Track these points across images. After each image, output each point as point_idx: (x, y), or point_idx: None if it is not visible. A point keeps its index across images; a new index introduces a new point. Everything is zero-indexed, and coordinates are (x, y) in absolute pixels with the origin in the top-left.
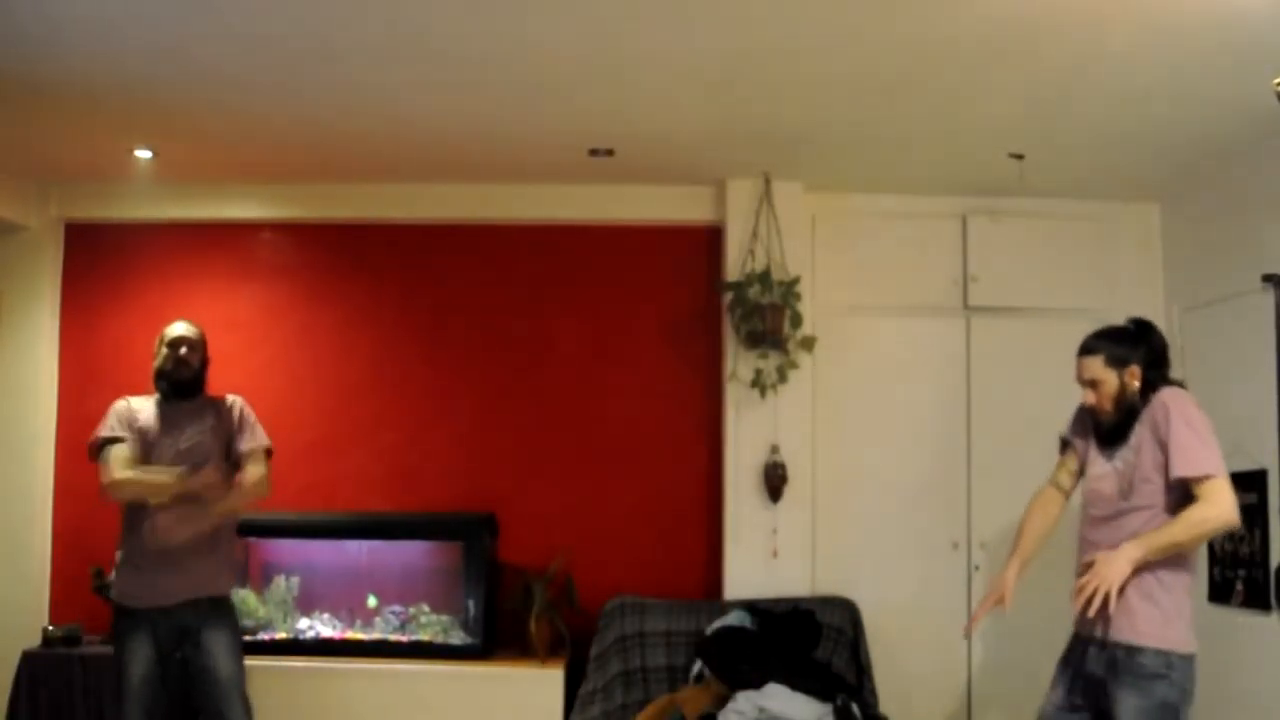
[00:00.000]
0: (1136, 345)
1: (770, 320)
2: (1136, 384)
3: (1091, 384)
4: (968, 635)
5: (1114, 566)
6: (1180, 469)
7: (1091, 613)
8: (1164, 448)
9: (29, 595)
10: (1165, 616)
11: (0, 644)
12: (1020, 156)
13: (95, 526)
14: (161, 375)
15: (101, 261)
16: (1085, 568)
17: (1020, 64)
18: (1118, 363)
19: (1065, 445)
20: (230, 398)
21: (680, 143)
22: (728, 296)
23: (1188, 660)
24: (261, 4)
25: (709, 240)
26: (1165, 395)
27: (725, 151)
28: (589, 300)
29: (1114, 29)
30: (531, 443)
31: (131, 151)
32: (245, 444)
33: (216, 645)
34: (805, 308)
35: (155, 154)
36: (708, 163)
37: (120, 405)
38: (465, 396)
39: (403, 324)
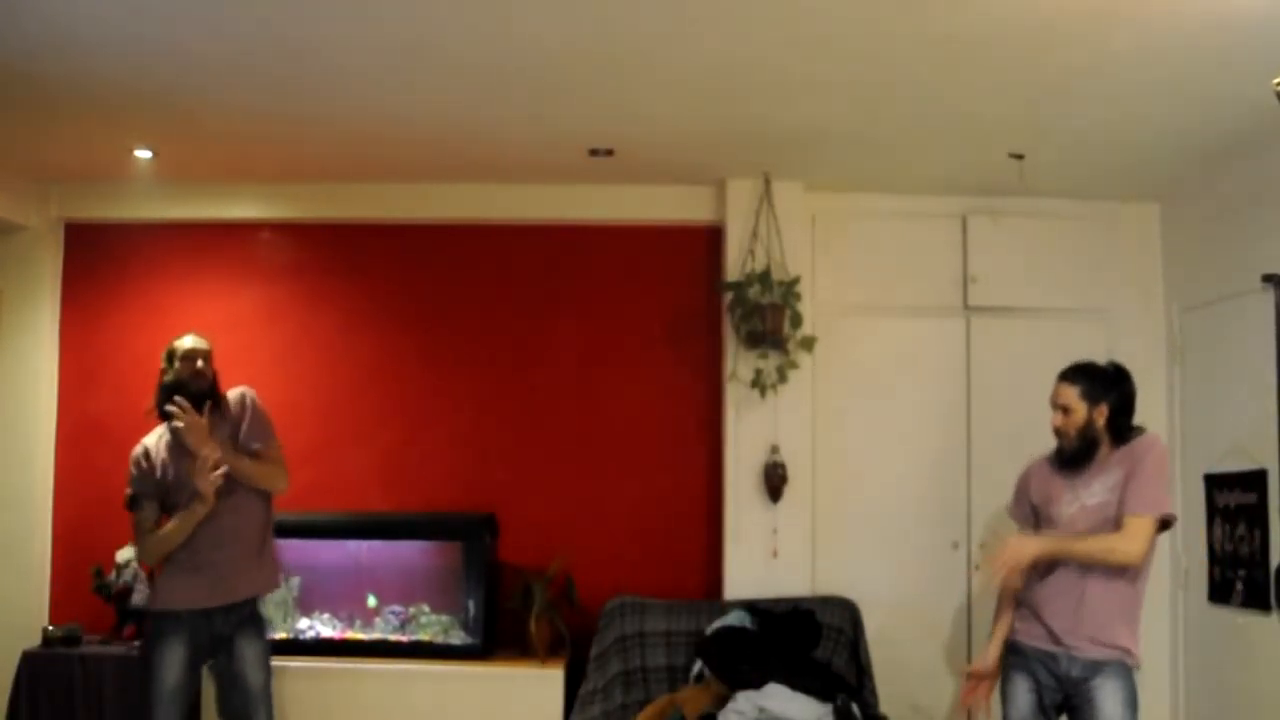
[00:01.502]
0: (1110, 388)
1: (770, 320)
2: (1101, 421)
3: (1064, 409)
4: (965, 707)
5: (1025, 547)
6: (1129, 502)
7: (994, 583)
8: (1129, 478)
9: (29, 595)
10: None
11: (0, 644)
12: (1020, 156)
13: (95, 526)
14: (175, 388)
15: (101, 261)
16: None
17: (1020, 64)
18: (1090, 398)
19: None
20: (235, 392)
21: (680, 143)
22: (728, 296)
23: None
24: (261, 4)
25: (709, 240)
26: (1151, 439)
27: (725, 151)
28: (589, 300)
29: (1114, 29)
30: (531, 442)
31: (131, 151)
32: (256, 437)
33: (249, 653)
34: (805, 308)
35: (155, 154)
36: (708, 163)
37: (137, 455)
38: (465, 396)
39: (402, 324)
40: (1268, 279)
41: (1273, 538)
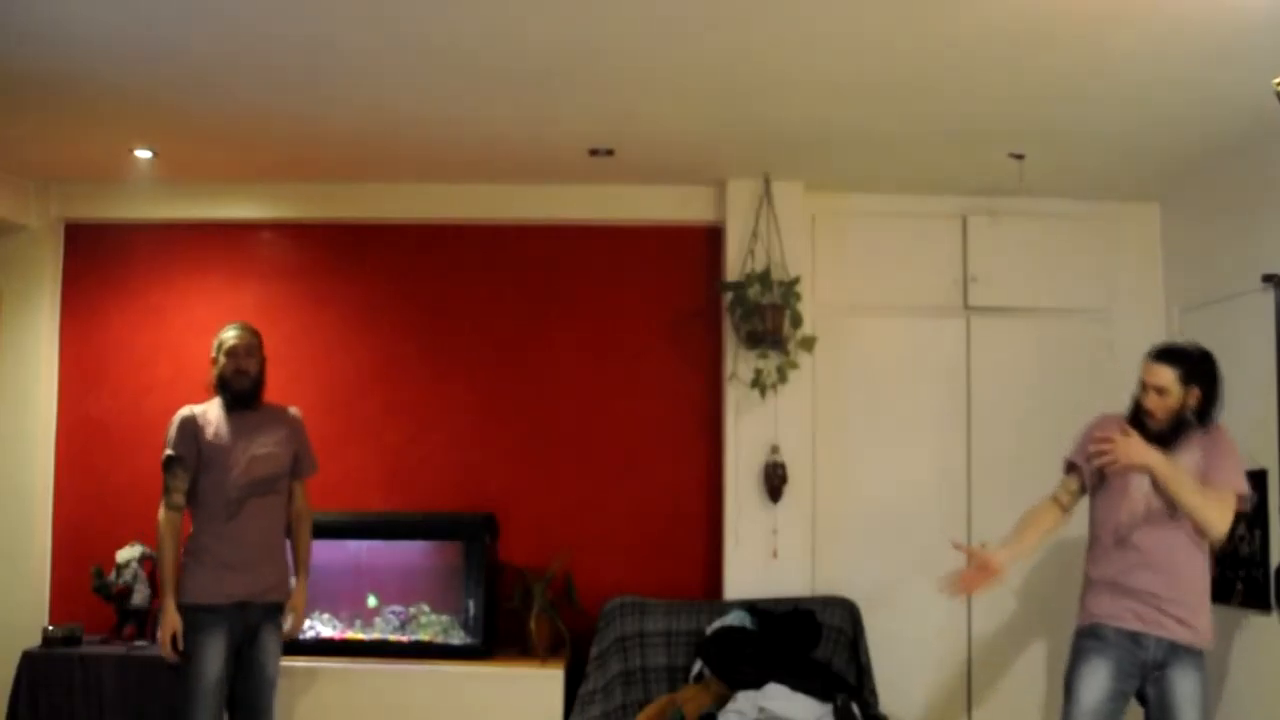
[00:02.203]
0: (1204, 373)
1: (770, 320)
2: (1194, 404)
3: (1158, 390)
4: (952, 593)
5: (1142, 451)
6: (1215, 477)
7: (1100, 461)
8: (1209, 459)
9: (29, 595)
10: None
11: (0, 644)
12: (1020, 156)
13: (95, 526)
14: (222, 384)
15: (101, 261)
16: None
17: (1020, 64)
18: (1185, 381)
19: (1071, 467)
20: (293, 410)
21: (680, 143)
22: (728, 296)
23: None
24: (262, 4)
25: (709, 240)
26: (1225, 430)
27: (725, 151)
28: (589, 300)
29: (1114, 29)
30: (531, 442)
31: (131, 151)
32: (307, 469)
33: (271, 644)
34: (805, 308)
35: (155, 154)
36: (708, 163)
37: (185, 417)
38: (465, 396)
39: (403, 324)
40: (1268, 279)
41: (1273, 538)
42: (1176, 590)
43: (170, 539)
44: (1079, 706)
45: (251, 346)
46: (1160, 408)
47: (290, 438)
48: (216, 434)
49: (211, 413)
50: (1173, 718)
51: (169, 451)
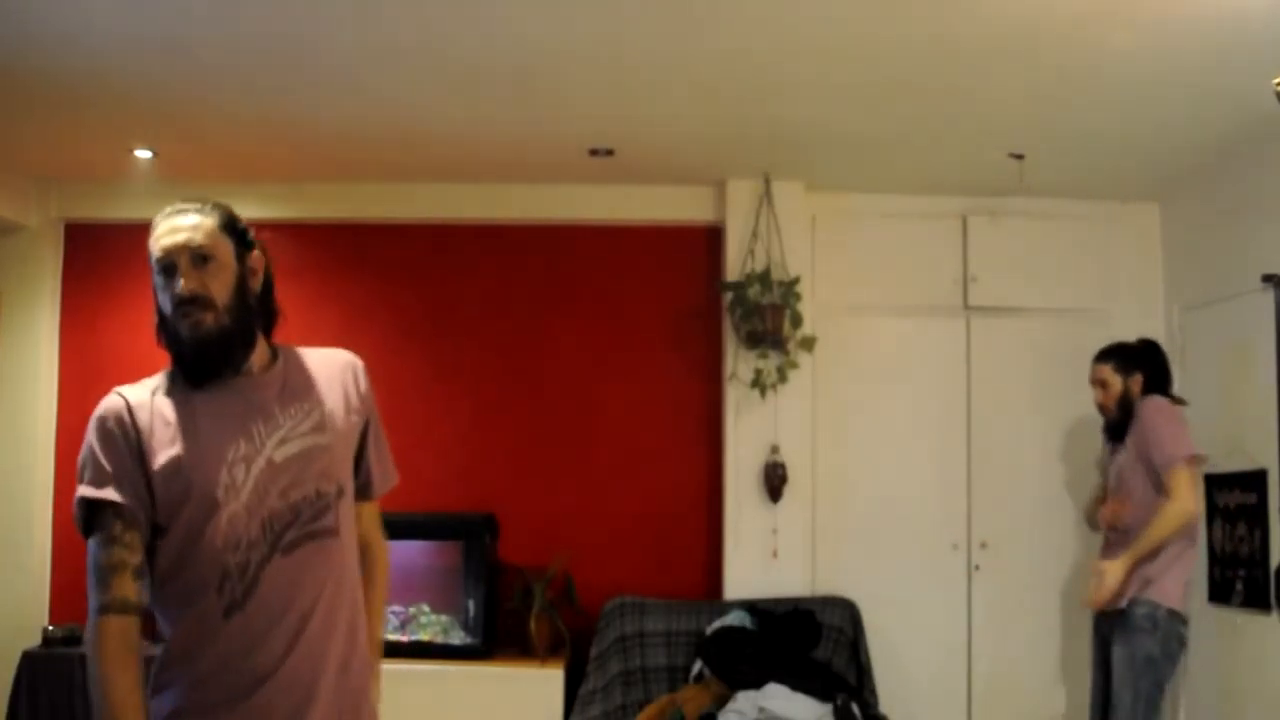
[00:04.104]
0: (1141, 360)
1: (770, 320)
2: (1137, 390)
3: (1101, 384)
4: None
5: (1107, 578)
6: (1155, 461)
7: (1095, 606)
8: (1140, 442)
9: (29, 595)
10: (1149, 577)
11: (0, 644)
12: (1020, 156)
13: None
14: (173, 342)
15: (101, 261)
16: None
17: (1020, 64)
18: (1124, 370)
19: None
20: (344, 356)
21: (680, 143)
22: (728, 296)
23: (1174, 618)
24: (262, 4)
25: (709, 240)
26: (1146, 400)
27: (725, 151)
28: (589, 300)
29: (1114, 29)
30: (531, 442)
31: (131, 151)
32: (381, 477)
33: None
34: (805, 308)
35: (155, 154)
36: (708, 163)
37: (112, 414)
38: (465, 396)
39: (402, 324)
40: (1268, 279)
41: (1273, 538)
42: None
43: (119, 679)
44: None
45: (203, 249)
46: (1106, 399)
47: (349, 405)
48: (180, 437)
49: (167, 396)
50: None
51: (88, 493)
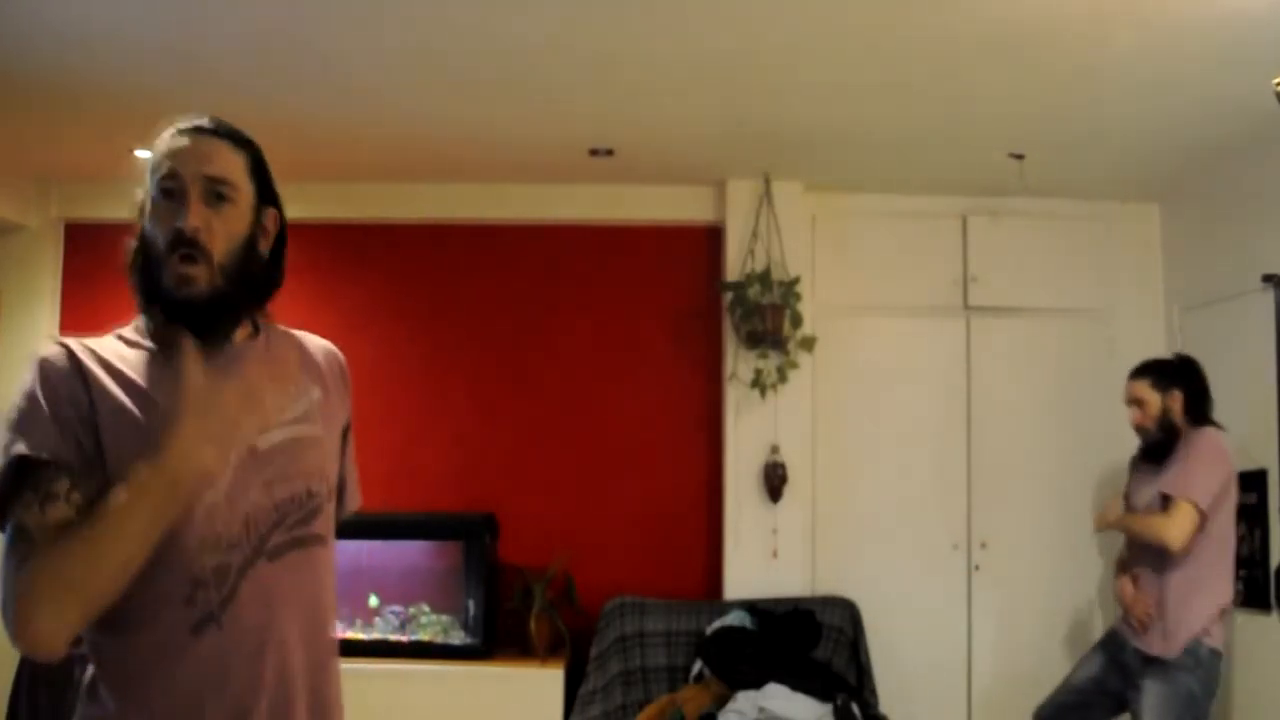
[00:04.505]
0: (1179, 376)
1: (770, 320)
2: (1178, 408)
3: (1138, 403)
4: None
5: (1107, 514)
6: (1170, 484)
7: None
8: (1179, 463)
9: None
10: (1188, 621)
11: (0, 644)
12: (1020, 156)
13: None
14: (146, 285)
15: (101, 261)
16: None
17: (1020, 64)
18: (1161, 387)
19: None
20: (322, 344)
21: (680, 143)
22: (728, 296)
23: (1216, 656)
24: (262, 4)
25: (709, 240)
26: (1208, 432)
27: (725, 151)
28: (589, 300)
29: (1114, 29)
30: (531, 442)
31: (131, 151)
32: (353, 493)
33: None
34: (805, 308)
35: None
36: (708, 163)
37: (53, 364)
38: (465, 396)
39: (402, 324)
40: (1268, 279)
41: (1273, 538)
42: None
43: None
44: None
45: (224, 185)
46: (1144, 419)
47: (333, 400)
48: (144, 406)
49: (128, 352)
50: None
51: (22, 449)
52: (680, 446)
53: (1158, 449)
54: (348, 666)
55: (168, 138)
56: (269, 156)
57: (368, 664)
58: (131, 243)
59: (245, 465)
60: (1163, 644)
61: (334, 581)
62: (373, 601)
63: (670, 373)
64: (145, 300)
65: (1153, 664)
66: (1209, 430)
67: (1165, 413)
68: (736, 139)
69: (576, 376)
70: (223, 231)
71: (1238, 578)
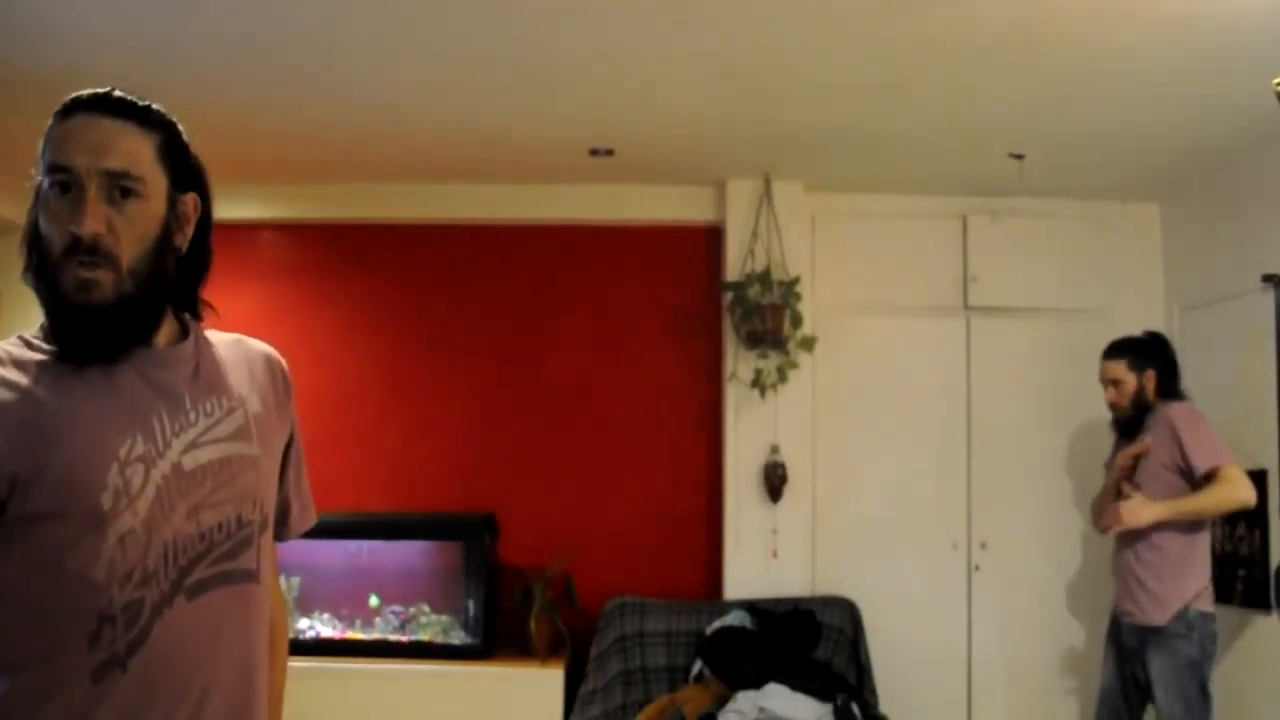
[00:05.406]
0: (1154, 354)
1: (770, 320)
2: (1151, 387)
3: (1114, 383)
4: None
5: (1141, 513)
6: (1204, 461)
7: (1110, 532)
8: (1181, 450)
9: None
10: (1180, 589)
11: None
12: (1020, 156)
13: None
14: (54, 301)
15: None
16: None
17: (1020, 64)
18: (1138, 367)
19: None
20: (262, 349)
21: (680, 143)
22: (728, 296)
23: (1206, 618)
24: (261, 4)
25: (709, 240)
26: (1175, 405)
27: (725, 151)
28: (589, 300)
29: (1114, 29)
30: (531, 442)
31: None
32: (302, 512)
33: None
34: (805, 308)
35: None
36: (708, 163)
37: None
38: (465, 396)
39: (403, 324)
40: (1268, 279)
41: (1273, 538)
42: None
43: None
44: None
45: (127, 178)
46: (1120, 397)
47: (271, 415)
48: (50, 418)
49: (30, 355)
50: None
51: None
52: (680, 446)
53: (1130, 425)
54: (348, 666)
55: (65, 124)
56: (268, 156)
57: (368, 664)
58: (26, 230)
59: (169, 485)
60: (1156, 612)
61: (266, 624)
62: (373, 601)
63: (670, 373)
64: (45, 307)
65: (1150, 638)
66: (1184, 403)
67: (1140, 391)
68: (736, 139)
69: (576, 376)
70: (129, 233)
71: (1237, 578)
